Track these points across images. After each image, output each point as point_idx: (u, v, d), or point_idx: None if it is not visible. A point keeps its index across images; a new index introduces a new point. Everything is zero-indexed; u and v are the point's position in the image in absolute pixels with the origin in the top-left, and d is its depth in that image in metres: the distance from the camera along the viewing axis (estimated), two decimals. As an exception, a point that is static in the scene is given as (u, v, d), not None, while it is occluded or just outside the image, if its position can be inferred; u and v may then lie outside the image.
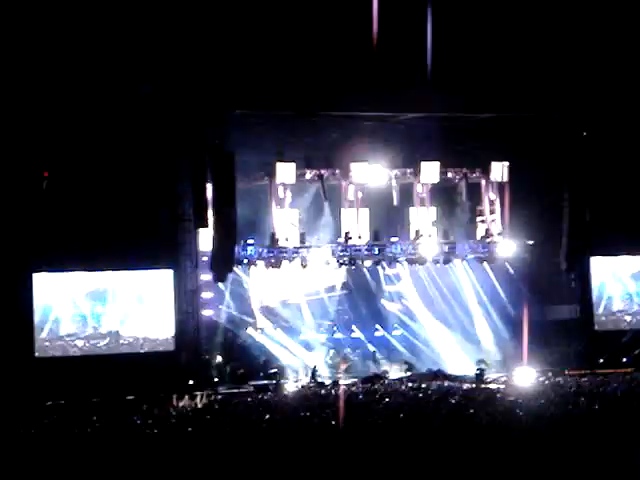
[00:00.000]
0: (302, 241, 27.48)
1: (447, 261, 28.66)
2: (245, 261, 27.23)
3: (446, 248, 28.45)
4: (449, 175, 28.60)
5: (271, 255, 27.34)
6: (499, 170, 28.32)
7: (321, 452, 14.29)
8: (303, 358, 28.36)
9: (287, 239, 27.33)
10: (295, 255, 27.39)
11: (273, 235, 27.33)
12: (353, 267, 28.47)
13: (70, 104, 25.06)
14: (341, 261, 27.87)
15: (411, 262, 28.50)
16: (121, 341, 26.31)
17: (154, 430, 16.81)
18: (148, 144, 25.77)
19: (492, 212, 28.89)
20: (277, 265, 27.42)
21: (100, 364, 25.65)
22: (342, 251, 27.86)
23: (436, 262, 28.59)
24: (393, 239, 28.34)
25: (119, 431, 17.05)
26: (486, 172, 28.56)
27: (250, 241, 27.15)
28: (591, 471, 13.41)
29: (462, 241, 28.73)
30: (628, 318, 29.57)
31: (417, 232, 28.29)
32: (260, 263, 27.49)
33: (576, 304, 29.00)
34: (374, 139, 27.29)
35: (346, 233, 27.80)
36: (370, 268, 29.04)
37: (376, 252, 28.10)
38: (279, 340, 28.70)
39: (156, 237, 25.92)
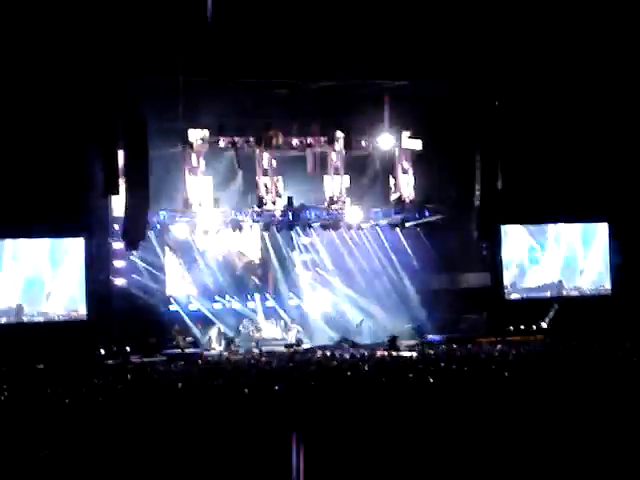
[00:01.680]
0: (216, 206, 27.33)
1: (360, 227, 28.81)
2: (158, 227, 26.98)
3: (360, 214, 28.55)
4: (362, 143, 28.70)
5: (184, 220, 27.13)
6: (411, 139, 28.49)
7: (233, 420, 14.27)
8: (218, 327, 28.28)
9: (200, 204, 27.13)
10: (208, 219, 27.22)
11: (187, 200, 27.10)
12: (267, 232, 28.49)
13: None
14: (255, 225, 27.82)
15: (325, 227, 28.60)
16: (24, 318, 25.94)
17: (65, 400, 16.59)
18: (58, 110, 25.32)
19: (405, 180, 29.08)
20: (191, 230, 27.23)
21: (9, 331, 25.28)
22: (257, 216, 27.83)
23: (349, 228, 28.75)
24: (307, 205, 28.33)
25: (29, 400, 16.81)
26: (399, 141, 28.68)
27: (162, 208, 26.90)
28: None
29: (375, 207, 28.85)
30: (538, 287, 30.09)
31: (331, 198, 28.38)
32: (173, 228, 27.28)
33: (487, 272, 29.48)
34: (287, 107, 27.22)
35: (260, 198, 27.71)
36: (284, 235, 29.02)
37: (290, 217, 28.11)
38: (193, 309, 28.55)
39: (66, 204, 25.54)
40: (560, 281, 30.07)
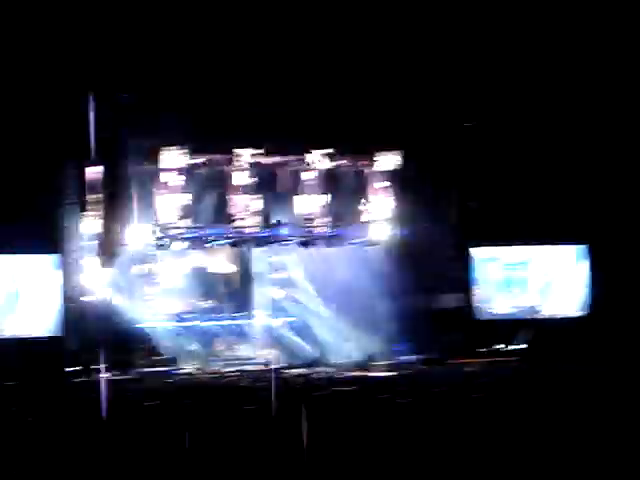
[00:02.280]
0: (188, 223, 27.16)
1: (335, 244, 28.70)
2: (131, 243, 26.79)
3: (334, 231, 28.50)
4: (338, 162, 28.65)
5: (158, 238, 26.96)
6: (387, 159, 28.45)
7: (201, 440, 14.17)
8: (189, 345, 28.11)
9: (172, 221, 26.95)
10: (181, 238, 27.10)
11: (158, 218, 26.89)
12: (239, 248, 28.34)
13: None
14: (226, 242, 27.73)
15: (300, 244, 28.49)
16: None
17: (30, 418, 16.47)
18: (33, 126, 25.23)
19: (380, 200, 29.00)
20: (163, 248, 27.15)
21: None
22: (230, 232, 27.72)
23: (327, 246, 28.64)
24: (282, 222, 28.20)
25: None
26: (373, 161, 28.63)
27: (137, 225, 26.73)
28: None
29: (350, 225, 28.78)
30: (508, 308, 30.03)
31: (307, 217, 28.31)
32: (147, 245, 27.08)
33: (461, 293, 29.42)
34: (262, 125, 27.15)
35: (229, 215, 27.58)
36: (257, 252, 28.89)
37: (265, 235, 27.96)
38: (166, 326, 28.37)
39: (40, 221, 25.39)
40: (535, 304, 29.97)
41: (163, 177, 26.85)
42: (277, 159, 27.99)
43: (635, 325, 27.38)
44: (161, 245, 27.09)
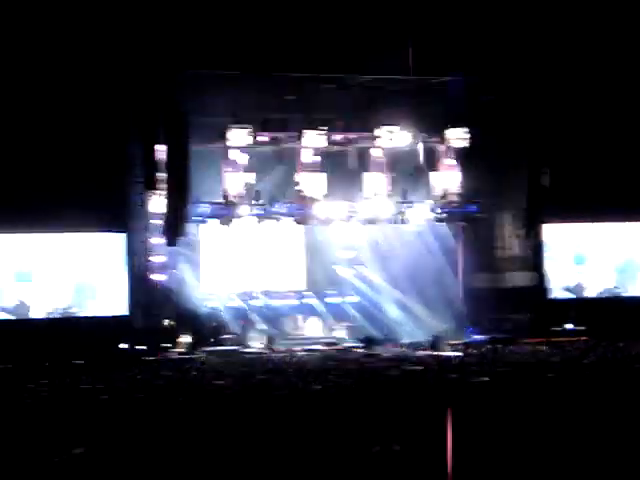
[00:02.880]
0: (257, 199, 27.02)
1: (403, 221, 28.35)
2: (198, 218, 26.73)
3: (403, 208, 28.14)
4: (408, 139, 28.24)
5: (225, 212, 26.82)
6: (457, 135, 28.01)
7: (272, 418, 13.99)
8: (258, 324, 28.04)
9: (239, 198, 26.76)
10: (249, 213, 26.93)
11: (226, 195, 26.73)
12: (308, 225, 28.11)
13: (15, 57, 24.45)
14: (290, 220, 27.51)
15: (365, 222, 28.16)
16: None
17: (104, 396, 16.43)
18: (99, 102, 25.22)
19: (450, 176, 28.59)
20: (228, 222, 26.96)
21: (51, 327, 25.16)
22: (295, 209, 27.46)
23: (392, 222, 28.29)
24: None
25: (69, 395, 16.68)
26: (443, 137, 28.22)
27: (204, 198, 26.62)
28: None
29: (419, 202, 28.39)
30: (582, 286, 29.42)
31: (374, 194, 28.03)
32: (213, 222, 27.04)
33: (531, 271, 28.90)
34: (333, 102, 26.89)
35: (299, 191, 27.30)
36: (320, 230, 28.59)
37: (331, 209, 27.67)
38: (232, 305, 28.32)
39: (107, 199, 25.39)
40: (614, 286, 29.30)
41: (231, 155, 26.74)
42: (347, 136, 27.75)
43: None
44: (228, 221, 26.90)
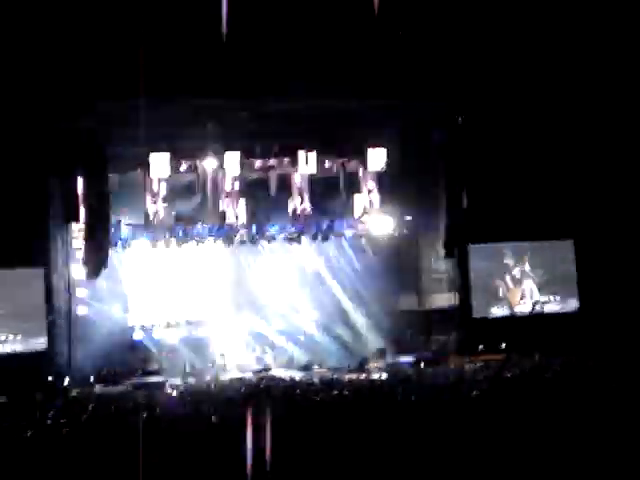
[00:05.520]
0: (177, 223, 27.12)
1: (325, 238, 28.42)
2: (119, 243, 26.59)
3: (324, 225, 28.33)
4: (326, 165, 28.43)
5: (147, 235, 26.82)
6: (376, 158, 28.21)
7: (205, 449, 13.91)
8: (183, 354, 27.80)
9: (161, 221, 26.77)
10: (172, 233, 27.01)
11: (148, 217, 26.71)
12: (229, 247, 28.02)
13: None
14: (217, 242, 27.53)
15: (289, 240, 28.18)
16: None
17: (27, 433, 16.13)
18: (15, 139, 24.98)
19: (370, 200, 28.82)
20: (154, 245, 26.98)
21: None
22: (218, 229, 27.47)
23: (314, 238, 28.34)
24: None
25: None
26: (363, 160, 28.41)
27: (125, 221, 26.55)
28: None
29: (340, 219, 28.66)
30: (508, 304, 29.81)
31: (294, 211, 28.09)
32: (135, 244, 26.92)
33: (455, 292, 29.16)
34: (249, 128, 26.92)
35: (222, 212, 27.38)
36: (245, 251, 28.54)
37: (254, 231, 27.77)
38: (158, 336, 28.05)
39: (25, 234, 25.09)
40: (535, 301, 29.78)
41: (151, 183, 26.63)
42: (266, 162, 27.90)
43: (625, 321, 27.35)
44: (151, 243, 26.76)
